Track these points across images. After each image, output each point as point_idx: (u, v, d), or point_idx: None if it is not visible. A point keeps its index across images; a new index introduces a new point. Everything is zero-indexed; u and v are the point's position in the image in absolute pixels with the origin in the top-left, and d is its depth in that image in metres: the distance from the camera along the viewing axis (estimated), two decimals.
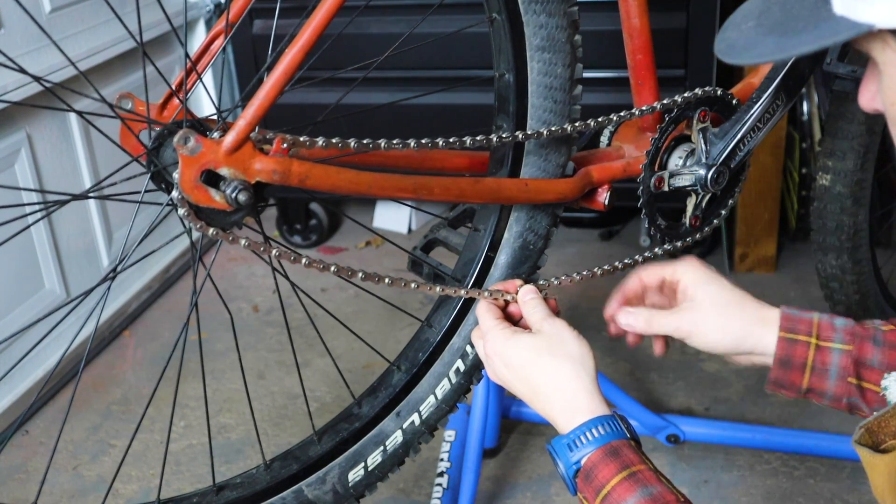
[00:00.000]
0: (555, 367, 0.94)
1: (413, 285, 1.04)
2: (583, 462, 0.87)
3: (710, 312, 1.00)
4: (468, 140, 1.00)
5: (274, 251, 0.94)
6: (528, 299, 1.04)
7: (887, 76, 0.64)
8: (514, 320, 1.07)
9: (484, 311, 1.05)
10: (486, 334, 1.01)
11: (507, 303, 1.07)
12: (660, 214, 1.21)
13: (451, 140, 0.99)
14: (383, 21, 2.32)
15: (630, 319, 1.04)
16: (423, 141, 0.97)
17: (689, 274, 1.03)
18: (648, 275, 1.07)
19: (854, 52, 1.32)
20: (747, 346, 0.99)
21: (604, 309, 1.09)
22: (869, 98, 0.71)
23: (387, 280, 1.02)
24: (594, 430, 0.88)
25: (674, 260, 1.06)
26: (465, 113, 2.34)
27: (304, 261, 0.94)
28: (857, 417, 0.94)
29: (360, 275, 0.98)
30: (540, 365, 0.95)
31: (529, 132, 1.05)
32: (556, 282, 1.13)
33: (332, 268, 0.96)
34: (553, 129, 1.05)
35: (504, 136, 1.03)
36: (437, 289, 1.07)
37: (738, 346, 0.99)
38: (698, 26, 2.19)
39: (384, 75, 2.33)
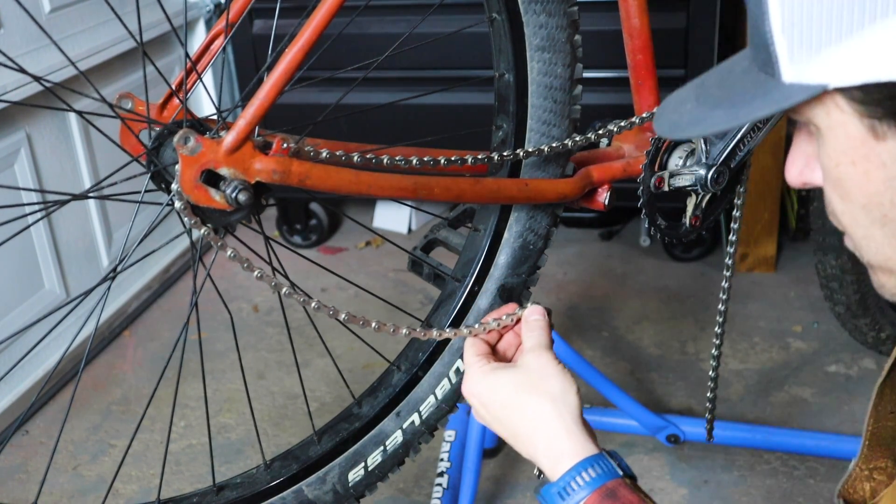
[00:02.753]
0: (532, 407, 0.88)
1: (404, 330, 0.99)
2: None
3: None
4: (469, 158, 1.00)
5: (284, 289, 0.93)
6: (531, 319, 0.96)
7: (833, 139, 0.62)
8: (508, 356, 0.99)
9: (469, 344, 0.97)
10: (466, 372, 0.95)
11: (501, 335, 0.99)
12: (660, 214, 1.21)
13: (452, 158, 0.99)
14: (383, 21, 2.32)
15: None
16: (426, 158, 0.97)
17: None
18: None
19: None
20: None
21: None
22: (796, 173, 0.69)
23: (374, 325, 0.97)
24: (585, 474, 0.82)
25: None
26: (465, 113, 2.34)
27: (284, 289, 0.93)
28: (859, 415, 0.92)
29: (342, 315, 0.95)
30: (517, 405, 0.89)
31: (531, 150, 1.04)
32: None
33: (314, 304, 0.95)
34: (554, 145, 1.05)
35: (506, 154, 1.03)
36: (434, 333, 1.01)
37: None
38: (698, 26, 2.19)
39: (384, 75, 2.33)
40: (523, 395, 0.89)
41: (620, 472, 0.83)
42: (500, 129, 1.08)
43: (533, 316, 0.97)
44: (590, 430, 0.88)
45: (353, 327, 0.99)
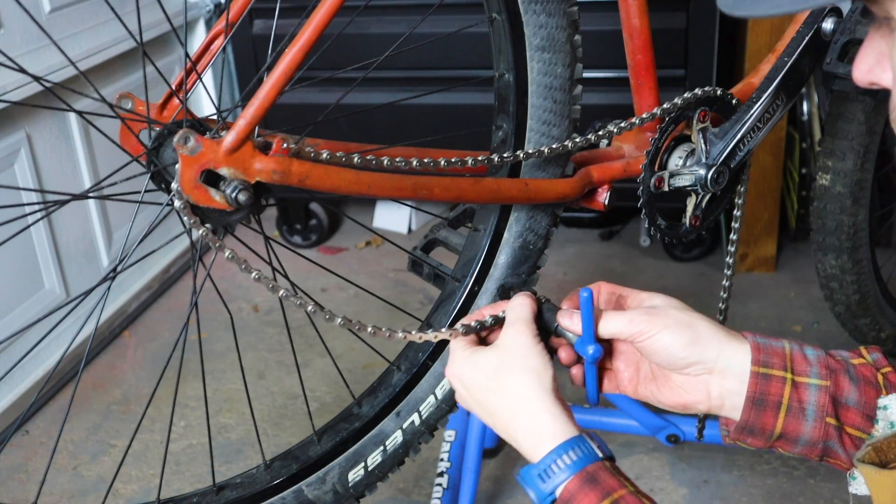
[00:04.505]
0: (512, 386, 0.86)
1: (399, 334, 0.98)
2: (558, 492, 0.81)
3: (670, 312, 0.89)
4: (470, 160, 1.00)
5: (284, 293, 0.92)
6: (516, 304, 0.94)
7: None
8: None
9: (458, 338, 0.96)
10: (450, 355, 0.95)
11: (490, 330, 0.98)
12: (660, 214, 1.21)
13: (452, 160, 0.99)
14: (383, 21, 2.32)
15: (577, 323, 0.91)
16: (426, 160, 0.97)
17: (641, 292, 0.94)
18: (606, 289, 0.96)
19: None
20: (709, 355, 0.87)
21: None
22: (866, 70, 0.65)
23: (369, 329, 0.97)
24: (566, 457, 0.81)
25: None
26: (465, 113, 2.34)
27: (282, 292, 0.93)
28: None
29: (339, 319, 0.95)
30: (497, 385, 0.88)
31: (531, 151, 1.04)
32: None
33: (310, 307, 0.94)
34: (554, 146, 1.05)
35: (506, 156, 1.03)
36: (430, 335, 0.98)
37: (696, 346, 0.87)
38: (698, 26, 2.19)
39: (384, 75, 2.33)
40: (503, 373, 0.88)
41: (601, 455, 0.83)
42: (500, 129, 1.08)
43: (517, 300, 0.95)
44: (567, 409, 0.87)
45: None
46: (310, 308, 0.94)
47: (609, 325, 0.90)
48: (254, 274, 0.91)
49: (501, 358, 0.89)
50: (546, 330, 0.95)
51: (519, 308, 0.92)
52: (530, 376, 0.86)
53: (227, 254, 0.90)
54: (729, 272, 1.33)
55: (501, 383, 0.88)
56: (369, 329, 0.97)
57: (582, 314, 0.90)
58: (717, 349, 0.88)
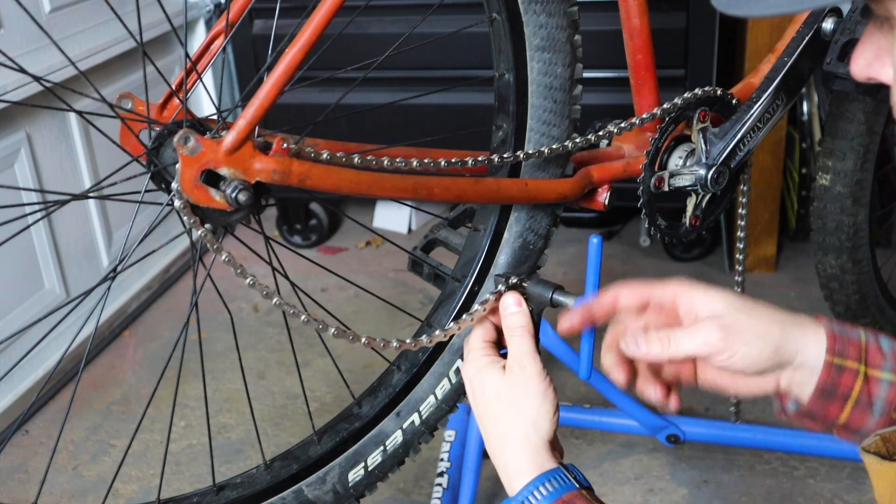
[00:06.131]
0: (505, 422, 0.89)
1: (394, 344, 0.98)
2: None
3: (741, 317, 0.84)
4: (470, 160, 1.00)
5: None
6: (509, 319, 0.94)
7: None
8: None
9: (478, 328, 0.97)
10: (468, 354, 0.96)
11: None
12: (660, 214, 1.21)
13: (453, 160, 0.99)
14: (383, 21, 2.32)
15: (644, 347, 0.86)
16: (426, 160, 0.97)
17: (690, 291, 0.87)
18: (628, 295, 0.92)
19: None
20: (789, 354, 0.84)
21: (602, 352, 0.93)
22: (864, 65, 0.66)
23: (363, 340, 0.97)
24: (542, 488, 0.83)
25: (659, 281, 0.91)
26: (465, 113, 2.34)
27: (275, 300, 0.93)
28: None
29: (331, 330, 0.94)
30: (493, 413, 0.90)
31: (531, 151, 1.04)
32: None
33: (303, 317, 0.94)
34: (554, 147, 1.05)
35: (506, 156, 1.03)
36: (424, 339, 0.98)
37: (778, 353, 0.84)
38: (698, 26, 2.19)
39: (384, 75, 2.33)
40: (501, 406, 0.89)
41: (577, 486, 0.84)
42: (500, 129, 1.08)
43: (510, 309, 0.95)
44: (556, 448, 0.88)
45: (354, 328, 0.99)
46: (302, 318, 0.94)
47: (682, 346, 0.85)
48: (248, 280, 0.91)
49: (504, 389, 0.90)
50: (538, 302, 0.95)
51: (519, 336, 0.92)
52: (524, 420, 0.88)
53: (223, 257, 0.89)
54: (740, 268, 1.33)
55: (497, 414, 0.89)
56: (363, 340, 0.96)
57: (589, 263, 0.89)
58: (796, 346, 0.85)
